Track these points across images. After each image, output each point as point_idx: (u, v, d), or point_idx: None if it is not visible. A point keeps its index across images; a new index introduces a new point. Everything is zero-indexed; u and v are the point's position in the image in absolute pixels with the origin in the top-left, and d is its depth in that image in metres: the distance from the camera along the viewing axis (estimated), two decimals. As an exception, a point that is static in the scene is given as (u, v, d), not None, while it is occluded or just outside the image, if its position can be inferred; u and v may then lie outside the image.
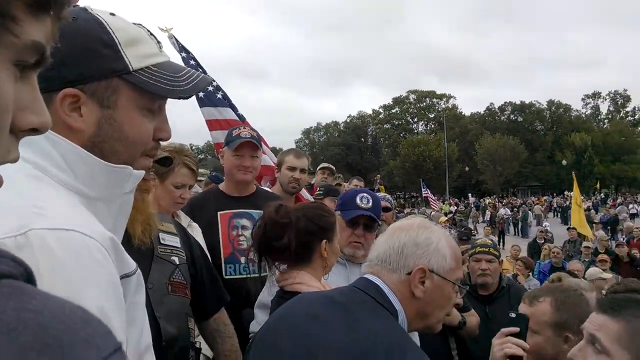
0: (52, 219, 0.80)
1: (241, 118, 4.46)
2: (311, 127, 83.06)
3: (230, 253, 2.81)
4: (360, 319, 1.33)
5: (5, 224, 0.77)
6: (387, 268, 1.44)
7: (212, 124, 4.44)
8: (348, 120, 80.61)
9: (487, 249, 3.58)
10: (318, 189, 5.45)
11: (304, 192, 4.10)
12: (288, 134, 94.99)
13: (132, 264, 0.96)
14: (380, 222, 2.67)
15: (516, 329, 1.78)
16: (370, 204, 2.58)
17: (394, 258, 1.44)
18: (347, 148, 73.84)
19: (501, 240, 22.19)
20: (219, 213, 2.88)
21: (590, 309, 1.90)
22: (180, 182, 2.47)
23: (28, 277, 0.49)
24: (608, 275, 5.86)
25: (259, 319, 2.16)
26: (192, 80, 1.04)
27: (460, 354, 3.27)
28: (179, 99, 1.05)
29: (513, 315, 1.82)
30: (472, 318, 3.19)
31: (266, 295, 2.21)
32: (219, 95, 4.49)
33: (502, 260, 3.59)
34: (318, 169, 6.16)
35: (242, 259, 2.79)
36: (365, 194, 2.63)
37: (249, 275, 2.78)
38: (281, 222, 1.91)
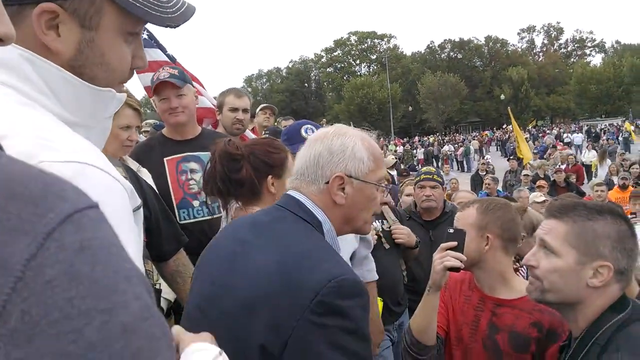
0: (61, 151, 0.75)
1: (172, 59, 4.15)
2: (253, 75, 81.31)
3: (181, 198, 2.72)
4: (280, 235, 1.34)
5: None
6: (306, 180, 1.45)
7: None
8: (290, 66, 79.34)
9: (430, 176, 3.72)
10: (264, 131, 5.33)
11: (248, 133, 3.97)
12: (228, 84, 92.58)
13: (139, 199, 0.93)
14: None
15: (454, 243, 1.91)
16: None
17: (311, 170, 1.45)
18: (291, 94, 73.07)
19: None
20: (165, 159, 2.76)
21: (514, 217, 2.06)
22: (125, 123, 2.34)
23: None
24: (542, 198, 6.15)
25: None
26: (180, 8, 0.96)
27: (410, 274, 3.45)
28: (167, 27, 0.97)
29: (451, 230, 1.97)
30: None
31: None
32: (145, 36, 4.16)
33: (445, 187, 3.70)
34: (258, 109, 5.99)
35: (195, 203, 2.71)
36: (309, 125, 2.61)
37: (204, 218, 2.71)
38: (235, 155, 1.91)
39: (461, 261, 1.86)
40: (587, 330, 1.40)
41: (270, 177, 1.92)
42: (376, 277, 2.89)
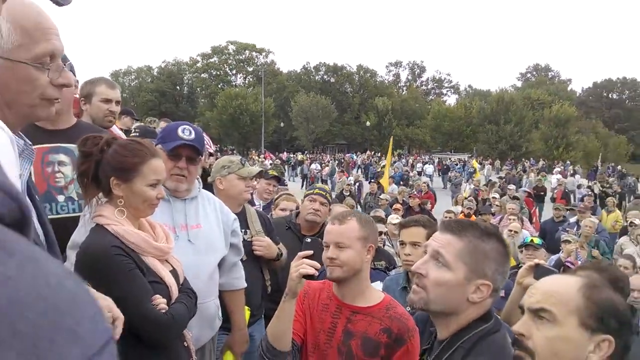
0: None
1: None
2: (121, 70, 76.46)
3: (45, 191, 2.47)
4: None
5: None
6: None
7: None
8: (163, 66, 76.12)
9: (324, 193, 3.86)
10: (133, 130, 5.06)
11: (115, 129, 3.76)
12: (92, 75, 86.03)
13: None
14: (201, 154, 2.65)
15: (310, 252, 2.01)
16: (193, 135, 2.51)
17: None
18: (161, 95, 70.01)
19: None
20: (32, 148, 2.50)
21: (377, 229, 2.27)
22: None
23: (21, 218, 0.39)
24: (397, 220, 6.79)
25: (71, 259, 1.96)
26: None
27: (274, 284, 3.48)
28: (57, 4, 0.87)
29: (308, 240, 2.08)
30: (284, 249, 3.49)
31: (82, 233, 2.00)
32: None
33: (330, 209, 3.84)
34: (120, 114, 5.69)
35: (60, 197, 2.49)
36: (187, 126, 2.55)
37: (68, 215, 2.49)
38: (85, 152, 1.89)
39: (315, 268, 1.94)
40: (455, 335, 1.51)
41: (112, 178, 1.89)
42: (244, 284, 2.89)
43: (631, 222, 8.71)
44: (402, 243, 3.00)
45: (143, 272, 1.87)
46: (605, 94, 77.72)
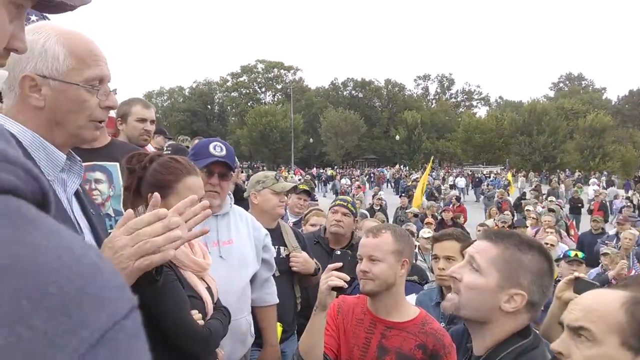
0: None
1: None
2: (153, 91, 78.51)
3: None
4: None
5: None
6: (6, 94, 1.34)
7: None
8: (194, 86, 77.85)
9: (345, 203, 3.81)
10: (165, 148, 5.16)
11: (150, 148, 3.85)
12: (127, 97, 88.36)
13: None
14: (233, 170, 2.68)
15: (339, 264, 2.00)
16: (224, 152, 2.55)
17: (6, 77, 1.32)
18: (193, 114, 71.49)
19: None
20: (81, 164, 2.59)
21: (413, 243, 2.25)
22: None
23: (43, 197, 0.41)
24: (428, 234, 6.76)
25: None
26: None
27: (304, 300, 3.46)
28: (61, 7, 0.85)
29: (338, 252, 2.06)
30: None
31: None
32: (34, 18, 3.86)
33: (357, 219, 3.81)
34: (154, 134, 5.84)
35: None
36: (218, 143, 2.59)
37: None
38: (129, 168, 1.94)
39: (345, 281, 1.94)
40: (494, 350, 1.47)
41: (149, 195, 1.89)
42: (277, 300, 2.89)
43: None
44: (436, 257, 2.96)
45: (182, 285, 1.89)
46: (642, 102, 75.54)
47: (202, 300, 1.95)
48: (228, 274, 2.41)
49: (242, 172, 31.23)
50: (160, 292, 1.75)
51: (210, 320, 1.95)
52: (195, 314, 1.87)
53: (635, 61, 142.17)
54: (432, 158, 16.93)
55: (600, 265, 6.69)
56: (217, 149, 2.54)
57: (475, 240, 1.61)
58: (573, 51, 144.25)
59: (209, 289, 2.06)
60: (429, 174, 19.33)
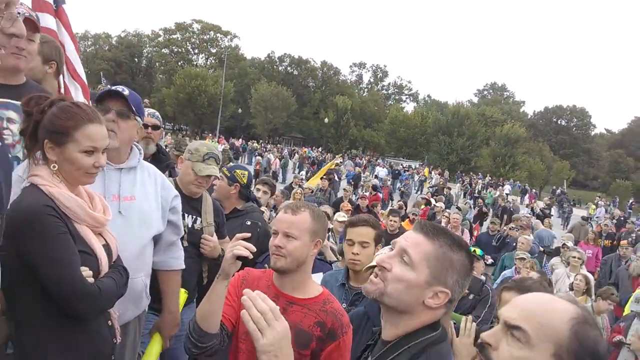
0: None
1: (58, 2, 3.57)
2: (77, 34, 73.23)
3: None
4: None
5: None
6: None
7: None
8: (122, 35, 73.68)
9: (225, 170, 3.89)
10: None
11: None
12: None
13: None
14: (137, 116, 2.48)
15: (248, 234, 2.01)
16: (127, 92, 2.42)
17: None
18: (117, 65, 67.79)
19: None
20: None
21: (327, 225, 2.25)
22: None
23: None
24: (343, 218, 7.05)
25: None
26: None
27: (211, 276, 3.41)
28: None
29: (248, 222, 2.03)
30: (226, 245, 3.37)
31: (14, 193, 1.89)
32: None
33: (237, 185, 3.84)
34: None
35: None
36: (121, 86, 2.47)
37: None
38: (27, 111, 1.83)
39: (251, 251, 1.92)
40: (405, 337, 1.50)
41: (46, 141, 1.81)
42: (182, 265, 2.80)
43: (564, 244, 9.16)
44: (351, 242, 2.98)
45: (74, 240, 1.78)
46: (554, 119, 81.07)
47: (96, 257, 1.85)
48: (126, 231, 2.28)
49: (166, 134, 30.06)
50: (44, 244, 1.65)
51: (102, 278, 1.85)
52: (85, 271, 1.77)
53: (553, 80, 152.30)
54: (336, 157, 17.02)
55: (515, 267, 7.14)
56: (119, 88, 2.40)
57: (407, 232, 1.61)
58: (501, 62, 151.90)
59: (107, 246, 1.95)
60: (337, 164, 19.79)
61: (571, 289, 6.56)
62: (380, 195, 16.13)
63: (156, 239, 2.58)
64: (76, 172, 1.84)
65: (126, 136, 2.43)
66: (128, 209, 2.37)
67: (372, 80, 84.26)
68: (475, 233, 12.64)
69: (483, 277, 5.54)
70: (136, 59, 73.00)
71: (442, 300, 1.48)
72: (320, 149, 48.01)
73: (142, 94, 52.85)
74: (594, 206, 32.35)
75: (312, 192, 11.69)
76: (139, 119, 2.47)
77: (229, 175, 3.81)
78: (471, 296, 4.32)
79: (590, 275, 7.05)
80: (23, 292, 1.68)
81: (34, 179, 1.80)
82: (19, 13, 1.41)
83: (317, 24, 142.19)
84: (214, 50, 74.13)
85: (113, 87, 2.40)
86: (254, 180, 6.01)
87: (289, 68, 73.68)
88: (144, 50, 74.25)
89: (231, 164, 4.30)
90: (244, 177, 3.86)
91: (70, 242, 1.75)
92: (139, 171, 2.51)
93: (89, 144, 1.83)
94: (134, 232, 2.38)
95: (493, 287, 5.03)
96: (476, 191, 31.55)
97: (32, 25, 2.41)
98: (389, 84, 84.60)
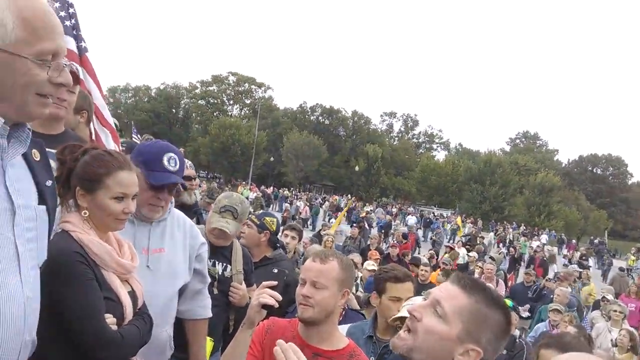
0: None
1: (81, 51, 3.78)
2: (119, 86, 76.82)
3: None
4: None
5: None
6: None
7: None
8: (161, 87, 76.65)
9: (254, 218, 3.88)
10: (122, 144, 5.05)
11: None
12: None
13: None
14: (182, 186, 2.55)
15: (274, 283, 2.01)
16: (177, 165, 2.41)
17: None
18: (156, 116, 70.23)
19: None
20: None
21: (355, 274, 2.19)
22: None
23: None
24: (372, 267, 6.98)
25: None
26: None
27: (237, 325, 3.39)
28: None
29: (275, 270, 2.01)
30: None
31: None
32: (68, 24, 3.70)
33: (267, 232, 3.84)
34: None
35: None
36: (172, 155, 2.42)
37: None
38: (60, 159, 1.88)
39: (277, 300, 1.91)
40: None
41: (77, 188, 1.86)
42: (209, 314, 2.76)
43: (604, 297, 8.78)
44: (395, 298, 2.85)
45: (100, 286, 1.79)
46: (590, 168, 79.40)
47: (120, 304, 1.86)
48: (153, 285, 2.26)
49: (201, 182, 30.73)
50: (72, 290, 1.68)
51: (126, 325, 1.85)
52: (109, 318, 1.77)
53: (588, 129, 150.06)
54: (350, 199, 16.91)
55: (549, 321, 6.85)
56: (172, 162, 2.37)
57: (443, 284, 1.54)
58: (533, 110, 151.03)
59: (132, 292, 1.96)
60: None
61: (614, 345, 6.24)
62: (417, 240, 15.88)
63: (182, 288, 2.58)
64: (106, 218, 1.87)
65: (169, 204, 2.49)
66: (156, 262, 2.37)
67: (402, 129, 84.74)
68: (509, 283, 12.25)
69: (517, 332, 5.33)
70: (174, 110, 75.45)
71: (473, 359, 1.41)
72: (351, 197, 47.89)
73: (178, 143, 54.24)
74: (633, 257, 31.05)
75: (338, 234, 11.47)
76: (182, 186, 2.56)
77: (258, 222, 3.82)
78: (504, 352, 4.16)
79: (634, 331, 6.70)
80: (50, 336, 1.69)
81: (65, 225, 1.83)
82: (65, 64, 1.59)
83: (348, 74, 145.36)
84: (248, 101, 76.19)
85: (169, 168, 2.38)
86: (281, 227, 6.05)
87: (320, 117, 74.83)
88: (182, 102, 76.80)
89: (260, 211, 4.35)
90: (273, 224, 3.87)
91: (96, 289, 1.76)
92: (168, 221, 2.51)
93: (119, 190, 1.86)
94: (161, 285, 2.36)
95: (528, 341, 4.83)
96: (507, 240, 30.70)
97: (73, 76, 2.54)
98: (420, 132, 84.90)
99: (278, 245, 3.98)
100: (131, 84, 77.59)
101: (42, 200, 1.48)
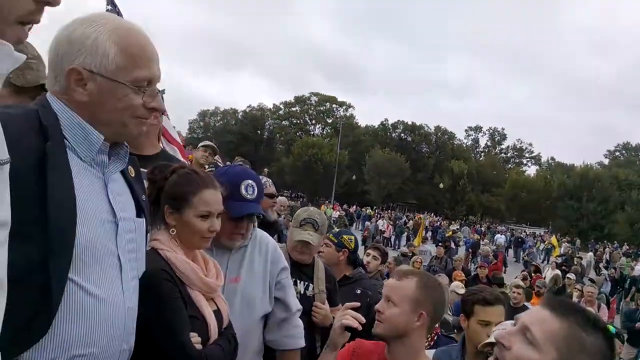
0: None
1: None
2: (208, 110, 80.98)
3: None
4: None
5: None
6: (51, 77, 1.33)
7: None
8: (247, 110, 79.78)
9: (330, 236, 3.83)
10: (208, 167, 5.27)
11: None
12: (182, 112, 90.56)
13: (5, 154, 0.91)
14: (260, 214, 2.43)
15: (357, 304, 1.97)
16: (256, 193, 2.36)
17: (52, 60, 1.31)
18: (243, 138, 73.01)
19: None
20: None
21: (445, 300, 2.08)
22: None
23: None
24: (462, 290, 6.61)
25: None
26: None
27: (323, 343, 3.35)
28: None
29: (358, 291, 1.97)
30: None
31: None
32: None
33: (345, 251, 3.77)
34: (200, 145, 6.02)
35: None
36: (250, 182, 2.37)
37: None
38: (150, 179, 1.93)
39: (360, 322, 1.87)
40: None
41: (166, 206, 1.91)
42: (300, 344, 2.60)
43: None
44: (484, 322, 2.71)
45: (185, 304, 1.82)
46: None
47: (205, 323, 1.87)
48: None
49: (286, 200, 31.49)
50: (159, 308, 1.71)
51: (210, 345, 1.86)
52: (194, 337, 1.78)
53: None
54: (423, 217, 16.27)
55: None
56: (250, 190, 2.33)
57: (533, 307, 1.47)
58: (633, 120, 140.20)
59: (218, 312, 1.98)
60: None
61: None
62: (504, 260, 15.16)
63: (267, 317, 2.50)
64: (193, 237, 1.91)
65: (250, 232, 2.44)
66: (231, 293, 2.30)
67: (489, 143, 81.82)
68: (611, 306, 11.31)
69: (623, 355, 4.88)
70: (259, 131, 78.12)
71: None
72: (434, 216, 46.82)
73: (263, 164, 56.05)
74: None
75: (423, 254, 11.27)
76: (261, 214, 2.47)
77: (335, 241, 3.79)
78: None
79: None
80: (138, 349, 1.73)
81: (154, 243, 1.88)
82: (157, 91, 1.64)
83: (430, 89, 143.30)
84: (329, 120, 77.32)
85: (247, 196, 2.35)
86: (362, 247, 5.98)
87: (402, 134, 74.25)
88: (266, 123, 79.42)
89: (336, 229, 4.32)
90: (351, 242, 3.82)
91: (181, 307, 1.79)
92: (249, 247, 2.45)
93: (204, 209, 1.90)
94: (235, 317, 2.24)
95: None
96: (604, 260, 28.37)
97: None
98: (508, 147, 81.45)
99: (358, 263, 3.93)
100: (220, 107, 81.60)
101: (139, 213, 1.58)
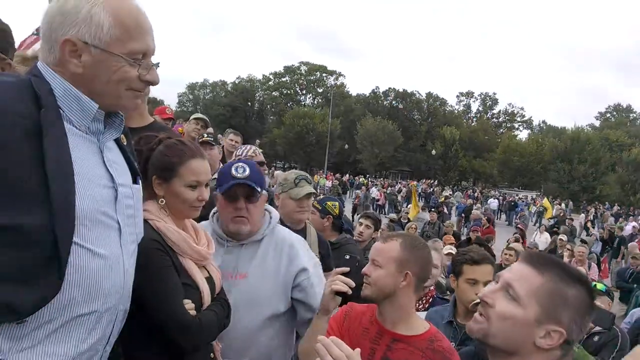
0: None
1: None
2: (197, 83, 79.97)
3: None
4: None
5: None
6: (44, 47, 1.32)
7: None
8: (236, 82, 78.87)
9: (316, 203, 3.87)
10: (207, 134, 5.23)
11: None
12: (170, 86, 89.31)
13: None
14: (260, 191, 2.36)
15: (346, 269, 1.99)
16: (247, 172, 2.32)
17: (45, 31, 1.30)
18: (233, 110, 72.36)
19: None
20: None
21: (431, 260, 2.11)
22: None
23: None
24: (449, 250, 6.84)
25: None
26: None
27: None
28: None
29: (347, 257, 1.99)
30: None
31: None
32: None
33: (329, 217, 3.84)
34: (192, 117, 5.97)
35: None
36: (240, 164, 2.36)
37: None
38: (137, 149, 1.92)
39: (350, 287, 1.89)
40: None
41: (154, 177, 1.92)
42: None
43: None
44: (473, 281, 2.76)
45: (178, 272, 1.84)
46: (692, 140, 72.65)
47: (198, 290, 1.90)
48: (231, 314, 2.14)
49: (276, 170, 31.35)
50: (149, 277, 1.72)
51: (204, 310, 1.89)
52: (188, 304, 1.81)
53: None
54: (414, 185, 16.29)
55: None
56: (240, 170, 2.31)
57: (513, 264, 1.46)
58: (623, 81, 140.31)
59: (210, 279, 2.00)
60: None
61: None
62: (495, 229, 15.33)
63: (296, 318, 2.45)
64: (182, 206, 1.93)
65: (257, 217, 2.38)
66: (236, 290, 2.26)
67: (481, 109, 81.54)
68: (602, 267, 11.53)
69: (614, 312, 5.01)
70: (249, 103, 77.39)
71: (556, 340, 1.32)
72: (430, 181, 46.97)
73: (255, 135, 55.89)
74: None
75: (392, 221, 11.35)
76: (265, 192, 2.40)
77: (320, 208, 3.84)
78: (596, 337, 3.92)
79: None
80: (130, 325, 1.74)
81: (144, 213, 1.87)
82: (152, 63, 1.61)
83: (421, 55, 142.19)
84: (320, 90, 76.63)
85: (237, 175, 2.31)
86: (356, 215, 6.00)
87: (393, 102, 73.83)
88: (256, 95, 78.61)
89: (321, 196, 4.33)
90: (335, 208, 3.86)
91: (173, 276, 1.81)
92: (264, 243, 2.41)
93: (192, 179, 1.91)
94: (239, 314, 2.18)
95: (622, 328, 4.53)
96: (591, 217, 28.69)
97: None
98: (500, 111, 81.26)
99: (343, 229, 3.96)
100: (209, 79, 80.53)
101: (135, 180, 1.61)
